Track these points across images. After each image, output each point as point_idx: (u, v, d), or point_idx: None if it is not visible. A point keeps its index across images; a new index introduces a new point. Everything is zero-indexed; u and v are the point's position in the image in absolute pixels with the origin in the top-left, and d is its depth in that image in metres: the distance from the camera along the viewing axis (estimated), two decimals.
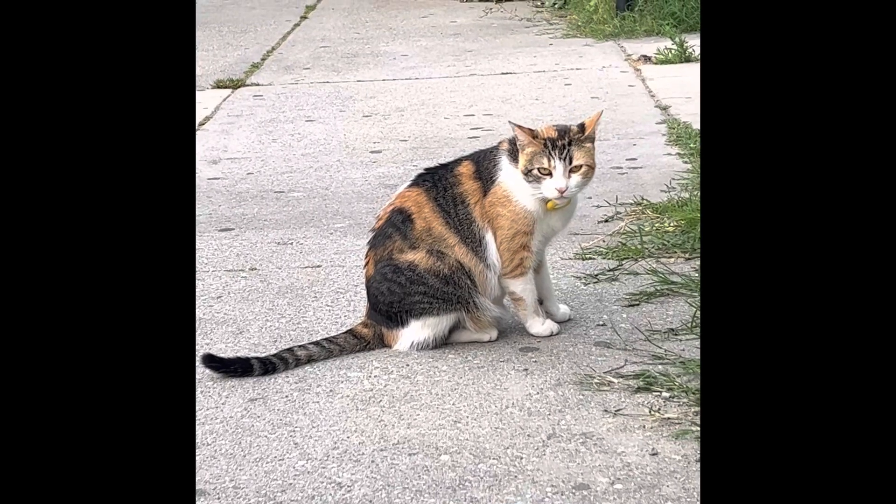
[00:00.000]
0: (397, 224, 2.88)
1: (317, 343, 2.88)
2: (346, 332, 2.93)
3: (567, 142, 2.76)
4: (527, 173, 2.77)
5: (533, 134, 2.77)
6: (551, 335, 2.92)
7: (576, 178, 2.76)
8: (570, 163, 2.75)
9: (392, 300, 2.85)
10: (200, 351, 2.92)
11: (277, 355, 2.82)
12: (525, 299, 2.91)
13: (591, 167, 2.80)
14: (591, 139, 2.81)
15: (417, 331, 2.86)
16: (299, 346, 2.86)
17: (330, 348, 2.87)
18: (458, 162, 2.96)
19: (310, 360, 2.84)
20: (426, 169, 3.00)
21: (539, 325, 2.93)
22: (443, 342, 2.89)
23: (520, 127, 2.79)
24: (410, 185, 2.94)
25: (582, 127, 2.81)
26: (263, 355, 2.83)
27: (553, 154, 2.74)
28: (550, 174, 2.75)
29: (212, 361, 2.77)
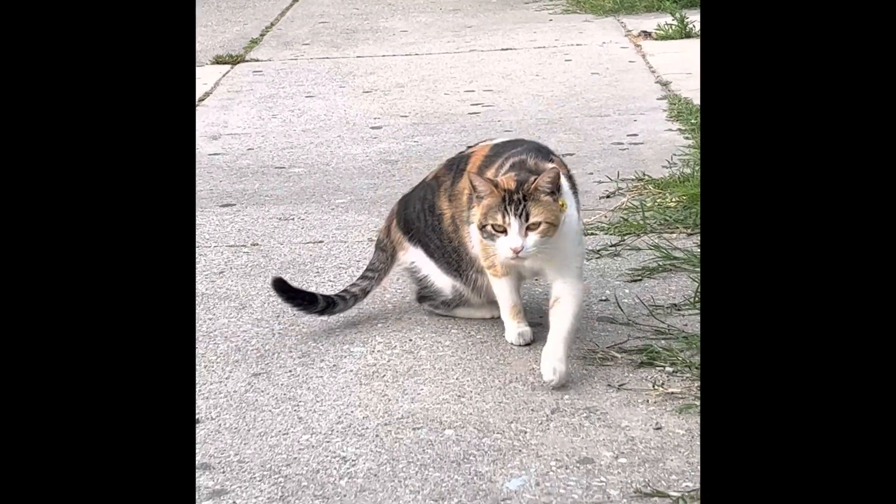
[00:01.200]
0: (455, 168, 2.81)
1: (363, 277, 2.95)
2: (375, 252, 2.97)
3: (522, 196, 2.48)
4: (481, 228, 2.53)
5: (494, 184, 2.50)
6: (521, 345, 2.73)
7: (533, 236, 2.48)
8: (527, 220, 2.47)
9: (416, 223, 2.85)
10: (203, 326, 2.93)
11: (338, 295, 2.90)
12: (498, 300, 2.75)
13: (552, 224, 2.49)
14: (552, 192, 2.50)
15: (423, 260, 2.86)
16: (351, 285, 2.94)
17: (374, 276, 2.94)
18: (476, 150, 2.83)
19: (365, 292, 2.93)
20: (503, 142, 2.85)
21: (510, 331, 2.75)
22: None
23: (480, 177, 2.54)
24: (486, 142, 2.85)
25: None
26: (326, 293, 2.91)
27: (508, 209, 2.47)
28: (505, 231, 2.49)
29: (281, 286, 2.84)
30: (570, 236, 2.58)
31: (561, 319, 2.57)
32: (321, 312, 2.87)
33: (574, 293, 2.59)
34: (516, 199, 2.47)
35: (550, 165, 2.59)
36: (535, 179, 2.48)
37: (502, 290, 2.72)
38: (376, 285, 2.95)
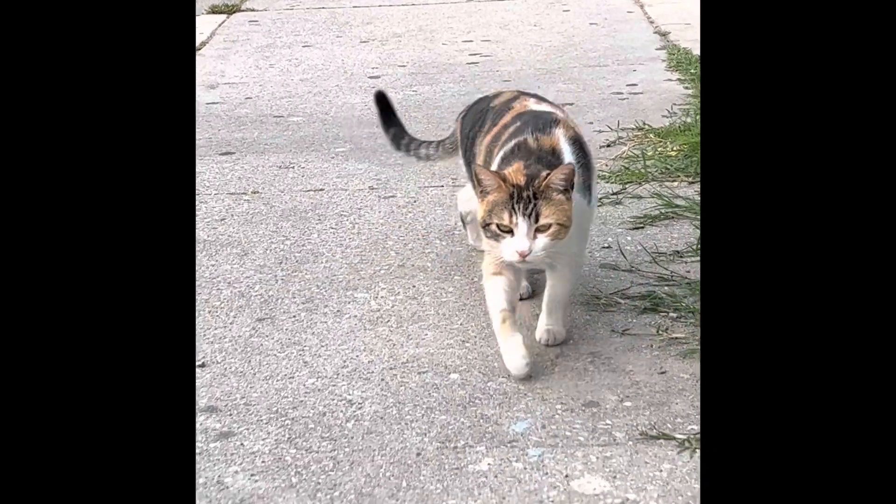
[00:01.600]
0: (494, 117, 2.60)
1: (438, 143, 2.98)
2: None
3: (533, 193, 2.22)
4: (485, 227, 2.28)
5: (502, 178, 2.25)
6: (519, 375, 2.34)
7: (542, 239, 2.23)
8: (537, 221, 2.22)
9: (464, 131, 2.76)
10: (205, 273, 2.92)
11: (409, 141, 3.01)
12: (487, 304, 2.44)
13: (564, 225, 2.24)
14: (565, 190, 2.24)
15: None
16: (426, 142, 2.99)
17: (441, 149, 2.95)
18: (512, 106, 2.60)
19: (427, 158, 2.98)
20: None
21: (508, 354, 2.35)
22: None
23: (486, 170, 2.28)
24: (525, 100, 2.63)
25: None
26: (403, 134, 3.04)
27: (517, 208, 2.22)
28: (511, 232, 2.24)
29: (382, 99, 3.04)
30: (578, 223, 2.34)
31: (556, 285, 2.44)
32: (389, 138, 3.06)
33: (574, 262, 2.44)
34: (525, 197, 2.22)
35: (556, 133, 2.39)
36: (548, 175, 2.23)
37: (492, 291, 2.41)
38: (437, 160, 3.00)
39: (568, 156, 2.37)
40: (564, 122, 2.46)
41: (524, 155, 2.33)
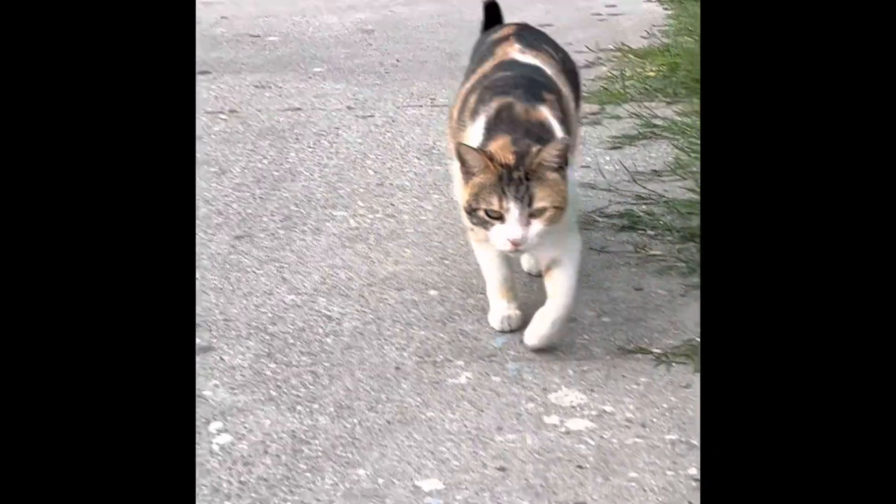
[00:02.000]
0: (486, 48, 2.42)
1: None
2: None
3: (524, 174, 1.98)
4: (470, 213, 2.03)
5: (489, 157, 2.00)
6: (503, 331, 2.22)
7: (537, 224, 1.99)
8: (530, 205, 1.99)
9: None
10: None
11: None
12: (483, 272, 2.27)
13: (560, 208, 2.00)
14: (560, 168, 2.01)
15: None
16: None
17: None
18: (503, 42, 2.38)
19: None
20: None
21: (494, 312, 2.24)
22: None
23: (471, 148, 2.02)
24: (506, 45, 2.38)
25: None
26: None
27: (507, 191, 1.98)
28: (501, 218, 2.00)
29: (491, 9, 2.57)
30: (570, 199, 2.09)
31: (559, 289, 2.15)
32: None
33: (573, 251, 2.18)
34: (516, 178, 1.98)
35: (543, 110, 2.12)
36: (539, 153, 1.99)
37: (488, 260, 2.23)
38: None
39: (558, 131, 2.11)
40: (550, 102, 2.17)
41: (510, 126, 2.08)
